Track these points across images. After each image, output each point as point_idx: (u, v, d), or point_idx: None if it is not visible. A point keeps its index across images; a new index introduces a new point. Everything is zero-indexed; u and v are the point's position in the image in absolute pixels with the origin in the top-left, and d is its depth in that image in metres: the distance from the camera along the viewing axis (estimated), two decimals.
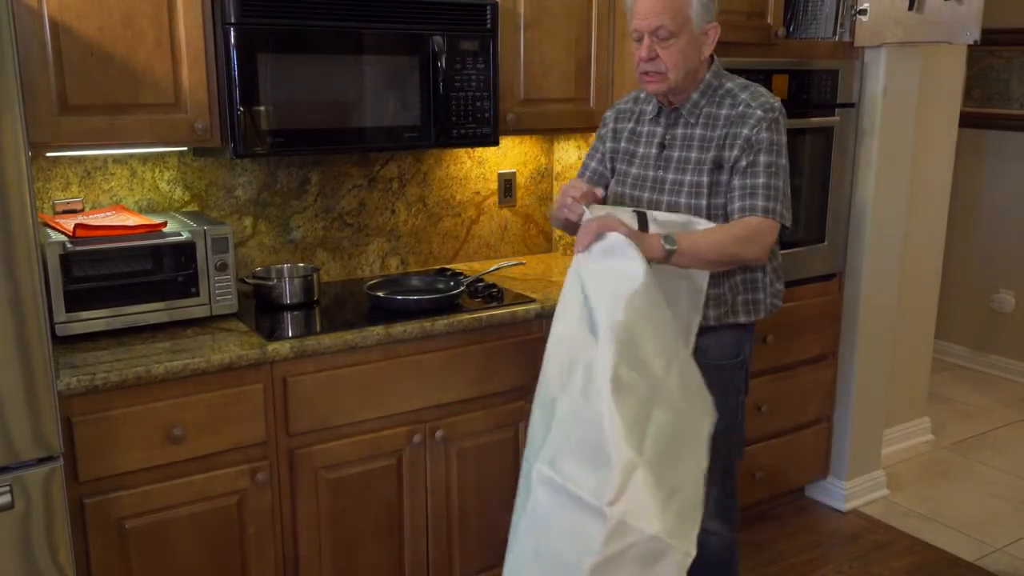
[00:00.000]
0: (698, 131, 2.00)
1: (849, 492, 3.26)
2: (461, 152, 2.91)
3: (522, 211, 3.09)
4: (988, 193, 4.69)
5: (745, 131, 1.94)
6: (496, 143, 2.55)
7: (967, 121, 4.42)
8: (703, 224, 1.96)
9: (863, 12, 2.88)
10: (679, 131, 2.03)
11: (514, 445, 2.46)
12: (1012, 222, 4.61)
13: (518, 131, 2.68)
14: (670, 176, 2.02)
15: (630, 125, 2.15)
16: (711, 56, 2.02)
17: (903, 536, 3.08)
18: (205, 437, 1.99)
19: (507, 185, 3.03)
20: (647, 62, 1.93)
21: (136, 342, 2.06)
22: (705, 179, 1.97)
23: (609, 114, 2.24)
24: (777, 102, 2.00)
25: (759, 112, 1.94)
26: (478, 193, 2.98)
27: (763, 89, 2.02)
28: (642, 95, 2.16)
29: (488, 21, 2.45)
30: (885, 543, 3.04)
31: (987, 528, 3.14)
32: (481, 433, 2.39)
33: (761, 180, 1.93)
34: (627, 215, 1.93)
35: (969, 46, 3.33)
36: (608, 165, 2.20)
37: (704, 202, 1.97)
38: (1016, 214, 4.59)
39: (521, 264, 2.89)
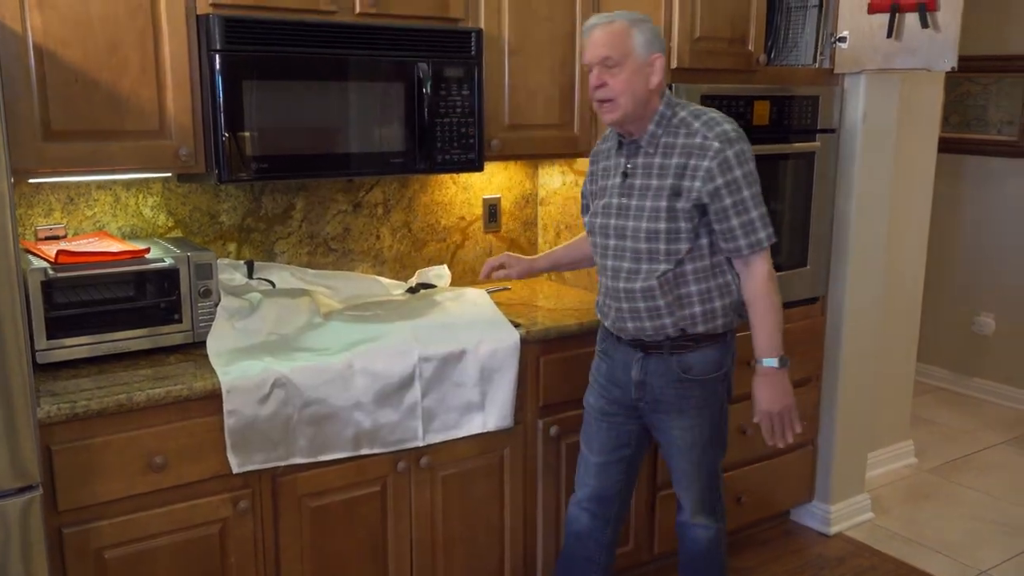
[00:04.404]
0: (657, 159, 2.08)
1: (834, 516, 3.26)
2: (446, 177, 2.92)
3: (507, 236, 3.10)
4: (967, 217, 4.75)
5: (705, 163, 2.02)
6: (481, 168, 2.56)
7: (945, 146, 4.47)
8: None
9: (843, 40, 2.93)
10: (640, 160, 2.11)
11: (499, 471, 2.45)
12: (991, 246, 4.66)
13: (503, 157, 2.69)
14: (633, 203, 2.10)
15: (603, 163, 2.24)
16: (666, 88, 2.11)
17: (888, 560, 3.08)
18: (187, 465, 1.97)
19: (492, 210, 3.04)
20: (598, 89, 2.06)
21: (118, 369, 2.04)
22: (664, 204, 2.06)
23: (592, 156, 2.32)
24: (732, 127, 2.05)
25: (716, 144, 2.02)
26: (463, 218, 2.99)
27: (716, 115, 2.08)
28: (607, 132, 2.27)
29: (473, 48, 2.47)
30: (870, 567, 3.04)
31: (970, 551, 3.15)
32: (466, 459, 2.38)
33: (754, 214, 2.06)
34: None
35: (947, 73, 3.37)
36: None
37: (662, 225, 2.06)
38: (995, 238, 4.64)
39: (507, 289, 2.90)
